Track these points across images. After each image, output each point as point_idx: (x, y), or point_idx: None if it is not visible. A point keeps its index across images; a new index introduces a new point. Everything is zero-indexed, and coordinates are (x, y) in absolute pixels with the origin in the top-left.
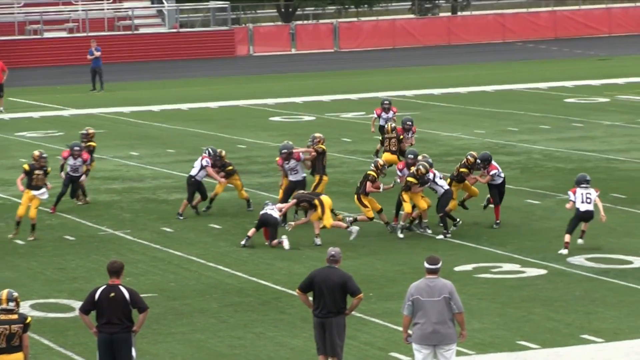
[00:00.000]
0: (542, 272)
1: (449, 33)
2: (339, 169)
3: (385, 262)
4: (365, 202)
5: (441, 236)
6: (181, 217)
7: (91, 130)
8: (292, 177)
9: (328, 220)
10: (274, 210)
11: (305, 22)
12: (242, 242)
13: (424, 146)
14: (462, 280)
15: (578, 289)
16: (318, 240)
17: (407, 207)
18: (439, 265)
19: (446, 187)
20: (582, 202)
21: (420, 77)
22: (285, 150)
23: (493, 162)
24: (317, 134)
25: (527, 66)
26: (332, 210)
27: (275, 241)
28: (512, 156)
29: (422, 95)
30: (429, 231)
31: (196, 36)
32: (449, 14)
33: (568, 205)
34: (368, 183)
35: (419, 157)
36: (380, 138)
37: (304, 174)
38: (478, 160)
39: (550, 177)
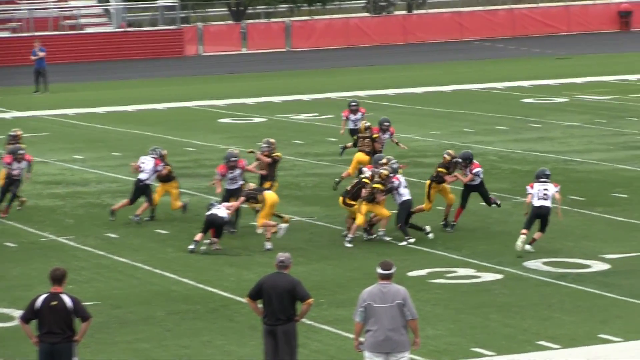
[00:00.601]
0: (498, 276)
1: (405, 32)
2: (290, 172)
3: (336, 268)
4: (351, 202)
5: (403, 242)
6: (137, 219)
7: (19, 132)
8: (229, 186)
9: (260, 219)
10: (220, 209)
11: (257, 20)
12: (190, 247)
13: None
14: (415, 286)
15: (535, 293)
16: (268, 245)
17: (360, 219)
18: (392, 270)
19: (407, 197)
20: (539, 198)
21: (375, 77)
22: (234, 159)
23: (475, 161)
24: (272, 140)
25: (484, 65)
26: (276, 214)
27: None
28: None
29: (376, 95)
30: (387, 238)
31: (144, 36)
32: (405, 12)
33: (528, 200)
34: (378, 195)
35: (384, 161)
36: (354, 139)
37: (242, 181)
38: (459, 160)
39: (506, 179)
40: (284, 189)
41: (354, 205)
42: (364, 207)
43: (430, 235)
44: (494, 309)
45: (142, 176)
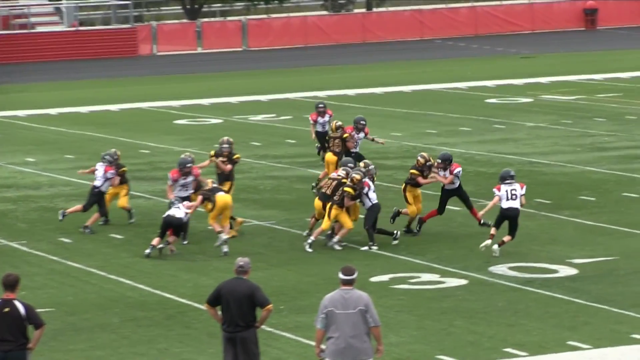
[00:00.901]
0: (463, 282)
1: (364, 30)
2: (248, 174)
3: (297, 273)
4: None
5: (366, 247)
6: (88, 231)
7: None
8: (180, 193)
9: (210, 220)
10: (179, 209)
11: (212, 19)
12: (147, 252)
13: None
14: (378, 292)
15: (501, 299)
16: (225, 248)
17: (326, 223)
18: (354, 275)
19: (375, 201)
20: (508, 199)
21: (334, 77)
22: (190, 165)
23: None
24: (231, 140)
25: (446, 65)
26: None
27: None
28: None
29: (335, 96)
30: (337, 247)
31: (96, 35)
32: (364, 10)
33: (494, 201)
34: (346, 199)
35: (361, 165)
36: (327, 139)
37: (192, 191)
38: (438, 160)
39: (470, 182)
40: (241, 192)
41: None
42: (334, 212)
43: (395, 242)
44: (459, 316)
45: (96, 182)
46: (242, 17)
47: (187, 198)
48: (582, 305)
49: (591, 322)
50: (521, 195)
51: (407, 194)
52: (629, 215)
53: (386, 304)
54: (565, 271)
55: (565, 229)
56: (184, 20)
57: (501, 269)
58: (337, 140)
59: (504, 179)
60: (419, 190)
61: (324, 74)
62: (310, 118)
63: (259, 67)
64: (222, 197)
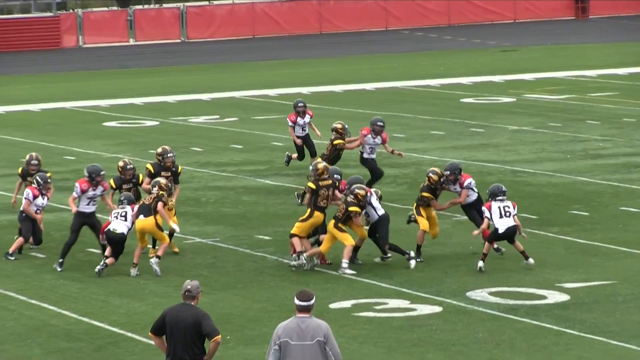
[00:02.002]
0: (437, 309)
1: (321, 19)
2: (189, 184)
3: (245, 298)
4: (344, 228)
5: (378, 258)
6: (11, 258)
7: None
8: (84, 208)
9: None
10: (119, 224)
11: (146, 6)
12: (98, 268)
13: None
14: (339, 320)
15: (480, 329)
16: (155, 266)
17: (325, 246)
18: (312, 301)
19: (382, 210)
20: (501, 216)
21: (286, 73)
22: (103, 174)
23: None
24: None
25: (416, 59)
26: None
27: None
28: (398, 168)
29: (288, 94)
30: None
31: (14, 24)
32: None
33: (485, 224)
34: (356, 220)
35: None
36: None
37: (94, 207)
38: (446, 172)
39: (444, 194)
40: (181, 204)
41: (346, 232)
42: (337, 234)
43: (412, 262)
44: (433, 348)
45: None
46: (180, 4)
47: (92, 215)
48: (575, 337)
49: (585, 357)
50: (514, 216)
51: (422, 211)
52: (628, 233)
53: (348, 334)
54: (554, 297)
55: (555, 249)
56: (114, 8)
57: (481, 294)
58: (329, 142)
59: (495, 195)
60: (434, 212)
61: (274, 70)
62: (288, 119)
63: (199, 61)
64: (139, 222)
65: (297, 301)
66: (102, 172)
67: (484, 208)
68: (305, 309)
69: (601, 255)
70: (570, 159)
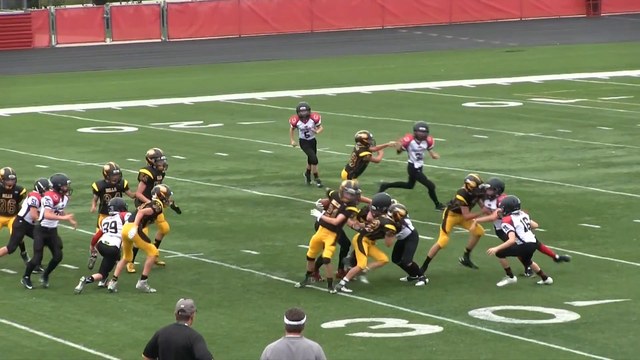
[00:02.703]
0: (437, 329)
1: (312, 17)
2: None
3: (231, 317)
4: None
5: (420, 282)
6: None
7: None
8: (49, 223)
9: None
10: (111, 237)
11: (124, 3)
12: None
13: (280, 165)
14: (332, 341)
15: (484, 351)
16: (139, 284)
17: (363, 261)
18: (303, 321)
19: (412, 227)
20: (525, 230)
21: (275, 75)
22: (69, 182)
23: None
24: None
25: (414, 60)
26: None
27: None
28: (396, 178)
29: (277, 98)
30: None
31: None
32: None
33: (511, 240)
34: (388, 238)
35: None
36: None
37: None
38: (486, 185)
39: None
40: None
41: (364, 250)
42: (367, 247)
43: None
44: None
45: (21, 212)
46: (160, 1)
47: (53, 232)
48: (585, 359)
49: None
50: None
51: (449, 218)
52: None
53: (342, 355)
54: (563, 316)
55: (564, 264)
56: (89, 5)
57: (484, 313)
58: (352, 154)
59: (512, 208)
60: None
61: (262, 71)
62: (290, 122)
63: (181, 62)
64: (124, 227)
65: (286, 320)
66: (68, 181)
67: (504, 223)
68: (296, 329)
69: (613, 271)
70: (580, 168)
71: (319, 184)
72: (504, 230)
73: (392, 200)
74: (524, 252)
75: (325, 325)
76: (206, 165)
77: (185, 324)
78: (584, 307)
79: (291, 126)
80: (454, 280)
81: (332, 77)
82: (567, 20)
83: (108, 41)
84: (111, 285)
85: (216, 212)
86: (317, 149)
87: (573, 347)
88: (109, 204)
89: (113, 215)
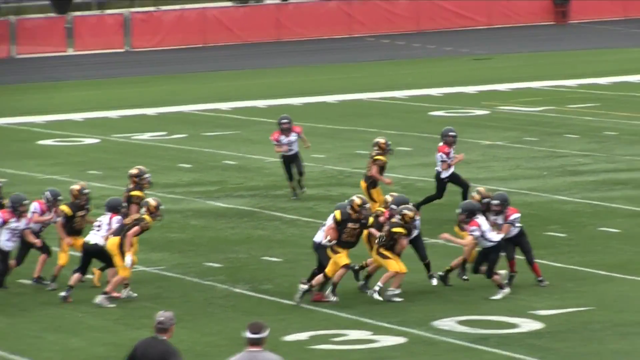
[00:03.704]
0: (401, 340)
1: (278, 26)
2: None
3: (193, 331)
4: (388, 254)
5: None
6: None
7: None
8: (4, 244)
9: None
10: (96, 235)
11: (87, 13)
12: (62, 293)
13: (244, 176)
14: (294, 354)
15: None
16: (99, 299)
17: (394, 266)
18: (264, 334)
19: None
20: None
21: (241, 85)
22: (26, 202)
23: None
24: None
25: (381, 69)
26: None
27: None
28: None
29: (241, 108)
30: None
31: None
32: (278, 0)
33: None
34: (401, 242)
35: (388, 198)
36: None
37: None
38: (494, 202)
39: None
40: None
41: (389, 256)
42: (380, 260)
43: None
44: None
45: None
46: (124, 10)
47: (6, 255)
48: None
49: None
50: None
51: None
52: (607, 255)
53: None
54: (528, 325)
55: (528, 273)
56: (51, 14)
57: (448, 323)
58: (369, 160)
59: (474, 212)
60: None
61: (227, 81)
62: (271, 138)
63: (145, 72)
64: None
65: (248, 334)
66: (25, 201)
67: (472, 227)
68: (257, 342)
69: (578, 280)
70: (546, 176)
71: (302, 189)
72: (471, 234)
73: (407, 199)
74: (497, 251)
75: (287, 338)
76: (169, 177)
77: (164, 338)
78: (548, 316)
79: (274, 142)
80: (417, 291)
81: (299, 86)
82: (536, 28)
83: (70, 51)
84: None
85: (179, 224)
86: (279, 159)
87: (537, 357)
88: (105, 205)
89: (104, 217)
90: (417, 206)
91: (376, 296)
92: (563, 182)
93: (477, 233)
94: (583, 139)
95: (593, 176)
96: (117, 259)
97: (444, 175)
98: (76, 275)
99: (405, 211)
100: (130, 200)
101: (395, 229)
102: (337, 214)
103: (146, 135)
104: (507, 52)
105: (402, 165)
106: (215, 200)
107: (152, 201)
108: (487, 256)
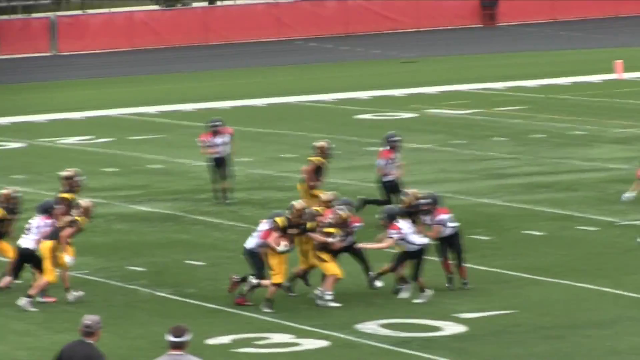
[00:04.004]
0: (323, 343)
1: (206, 29)
2: None
3: (115, 335)
4: (325, 257)
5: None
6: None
7: None
8: None
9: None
10: (25, 239)
11: (12, 16)
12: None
13: (168, 180)
14: (217, 357)
15: None
16: (22, 301)
17: (331, 268)
18: (186, 337)
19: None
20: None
21: (168, 89)
22: None
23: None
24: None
25: (309, 71)
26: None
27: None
28: (286, 192)
29: (168, 112)
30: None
31: None
32: (205, 3)
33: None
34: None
35: (322, 197)
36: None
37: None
38: (422, 201)
39: None
40: None
41: (326, 259)
42: (326, 257)
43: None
44: None
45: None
46: (50, 14)
47: None
48: None
49: None
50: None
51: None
52: (530, 258)
53: None
54: (450, 329)
55: (451, 276)
56: None
57: (371, 326)
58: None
59: (394, 217)
60: None
61: (154, 85)
62: (200, 140)
63: (72, 76)
64: (43, 244)
65: (169, 337)
66: None
67: (392, 230)
68: (179, 346)
69: (502, 283)
70: (472, 179)
71: (227, 200)
72: (391, 237)
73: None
74: (421, 255)
75: (210, 342)
76: (93, 181)
77: (90, 341)
78: (471, 319)
79: (205, 144)
80: (340, 294)
81: (227, 89)
82: (464, 31)
83: None
84: (69, 296)
85: (102, 228)
86: (203, 163)
87: (461, 359)
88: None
89: (35, 217)
90: (364, 203)
91: (322, 302)
92: (488, 185)
93: (395, 236)
94: (511, 141)
95: (518, 179)
96: (46, 263)
97: (386, 179)
98: (8, 279)
99: (338, 211)
100: (59, 202)
101: (328, 229)
102: (280, 220)
103: (73, 139)
104: (435, 54)
105: (330, 168)
106: (139, 204)
107: (84, 202)
108: (411, 259)
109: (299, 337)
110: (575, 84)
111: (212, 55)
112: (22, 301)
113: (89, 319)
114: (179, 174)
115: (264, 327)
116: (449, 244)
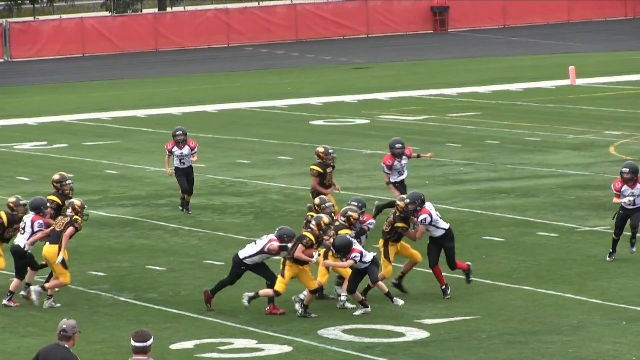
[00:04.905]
0: (286, 349)
1: (156, 35)
2: None
3: (78, 340)
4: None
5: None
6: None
7: None
8: None
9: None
10: (19, 237)
11: None
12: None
13: (126, 186)
14: None
15: None
16: (34, 295)
17: (279, 285)
18: (149, 342)
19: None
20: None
21: (120, 95)
22: None
23: (426, 206)
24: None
25: (260, 78)
26: None
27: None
28: (243, 197)
29: (122, 118)
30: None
31: None
32: (156, 10)
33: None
34: (300, 246)
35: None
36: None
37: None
38: (407, 202)
39: (294, 224)
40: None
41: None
42: (288, 271)
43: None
44: None
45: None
46: (2, 20)
47: None
48: None
49: None
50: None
51: (390, 249)
52: (491, 264)
53: None
54: (413, 334)
55: (413, 282)
56: None
57: (333, 332)
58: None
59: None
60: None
61: (106, 91)
62: (165, 148)
63: (24, 82)
64: (44, 249)
65: (133, 342)
66: None
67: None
68: (142, 351)
69: (463, 289)
70: (428, 185)
71: (188, 212)
72: (353, 259)
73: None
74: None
75: (173, 347)
76: (51, 186)
77: (66, 345)
78: (433, 325)
79: (167, 152)
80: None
81: (178, 96)
82: (415, 37)
83: None
84: (46, 303)
85: None
86: (160, 168)
87: None
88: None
89: (28, 215)
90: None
91: (348, 305)
92: (445, 190)
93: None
94: (465, 147)
95: (476, 185)
96: (57, 267)
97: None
98: (16, 281)
99: (348, 212)
100: (50, 202)
101: (305, 233)
102: (310, 235)
103: (27, 145)
104: (386, 60)
105: (284, 174)
106: (97, 209)
107: (77, 201)
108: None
109: (262, 342)
110: (527, 90)
111: (162, 62)
112: (33, 293)
113: (66, 323)
114: (136, 180)
115: (228, 332)
116: (440, 245)
